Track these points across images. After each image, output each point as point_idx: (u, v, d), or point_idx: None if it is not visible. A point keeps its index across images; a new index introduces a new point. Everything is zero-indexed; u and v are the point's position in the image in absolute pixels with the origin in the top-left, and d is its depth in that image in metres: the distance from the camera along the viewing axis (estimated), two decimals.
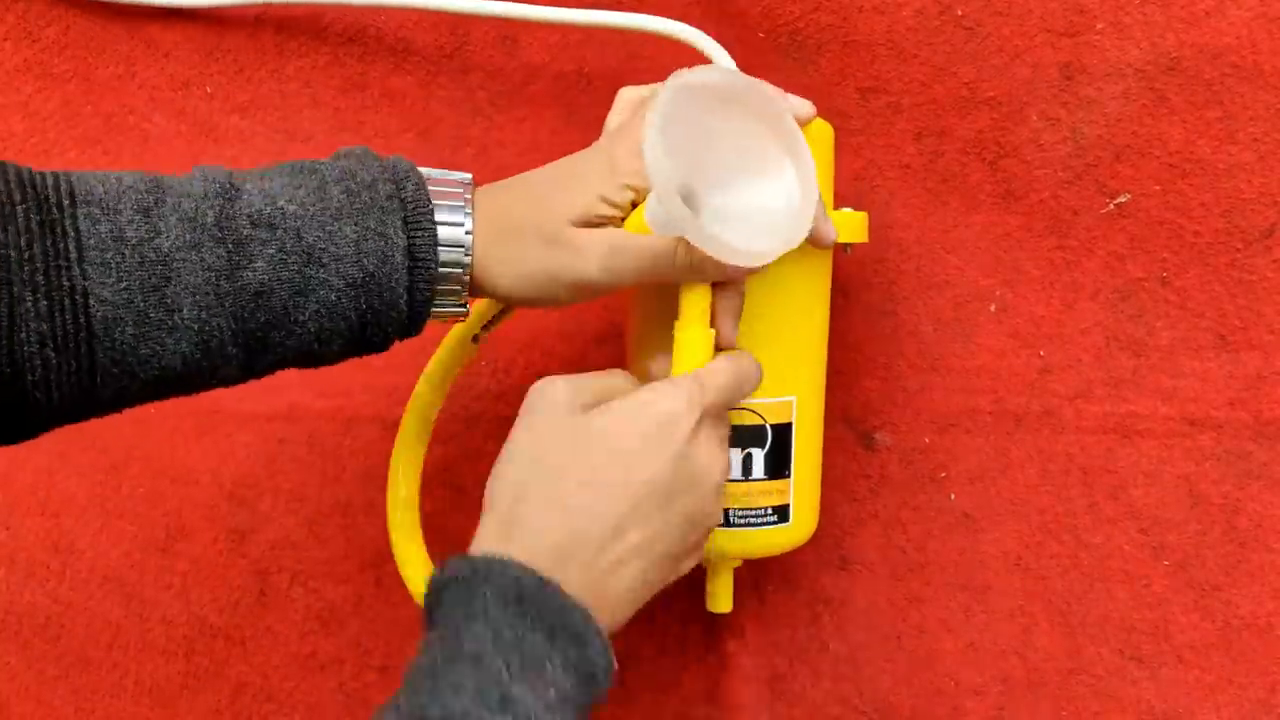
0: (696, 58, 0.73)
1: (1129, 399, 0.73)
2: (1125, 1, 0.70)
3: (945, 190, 0.74)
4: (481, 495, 0.79)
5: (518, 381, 0.78)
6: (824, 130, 0.65)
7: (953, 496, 0.75)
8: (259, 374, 0.55)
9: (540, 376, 0.77)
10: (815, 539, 0.70)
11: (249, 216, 0.51)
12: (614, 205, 0.54)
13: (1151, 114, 0.70)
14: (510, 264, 0.55)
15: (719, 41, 0.68)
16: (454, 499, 0.79)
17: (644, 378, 0.57)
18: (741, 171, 0.55)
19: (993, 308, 0.74)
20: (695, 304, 0.57)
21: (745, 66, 0.70)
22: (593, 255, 0.54)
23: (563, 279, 0.54)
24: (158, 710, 0.81)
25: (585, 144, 0.76)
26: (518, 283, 0.55)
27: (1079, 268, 0.73)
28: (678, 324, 0.57)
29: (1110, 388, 0.73)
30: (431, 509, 0.79)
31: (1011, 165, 0.72)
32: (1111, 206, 0.72)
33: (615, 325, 0.77)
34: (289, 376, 0.78)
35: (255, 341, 0.52)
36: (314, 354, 0.54)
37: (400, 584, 0.79)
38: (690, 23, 0.69)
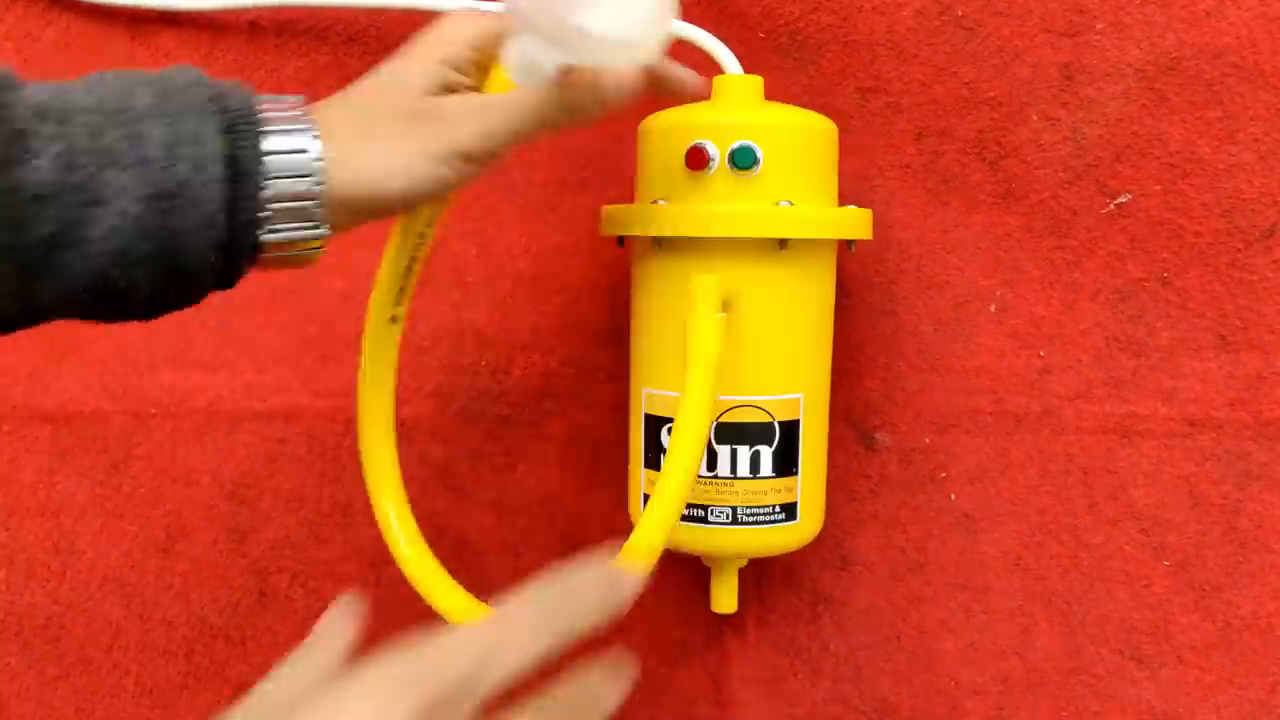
0: (697, 57, 0.73)
1: (1129, 399, 0.73)
2: (1125, 1, 0.70)
3: (945, 190, 0.74)
4: (481, 496, 0.79)
5: (518, 381, 0.78)
6: (826, 128, 0.65)
7: (953, 496, 0.75)
8: (42, 311, 0.48)
9: (540, 376, 0.78)
10: (815, 539, 0.71)
11: (32, 107, 0.43)
12: (459, 70, 0.52)
13: (1151, 114, 0.70)
14: (381, 156, 0.50)
15: (720, 40, 0.68)
16: (454, 499, 0.79)
17: (644, 377, 0.57)
18: None
19: (993, 308, 0.74)
20: (706, 289, 0.57)
21: (745, 66, 0.70)
22: (462, 120, 0.50)
23: (439, 153, 0.50)
24: (158, 710, 0.81)
25: (586, 144, 0.76)
26: (397, 175, 0.50)
27: (1079, 268, 0.73)
28: (689, 311, 0.57)
29: (1110, 388, 0.73)
30: (431, 509, 0.79)
31: (1011, 165, 0.72)
32: (1111, 206, 0.72)
33: (615, 325, 0.77)
34: (289, 376, 0.78)
35: (36, 261, 0.44)
36: (113, 288, 0.46)
37: (400, 584, 0.79)
38: (691, 22, 0.69)
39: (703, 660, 0.78)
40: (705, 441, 0.57)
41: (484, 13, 0.52)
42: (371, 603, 0.81)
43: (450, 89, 0.52)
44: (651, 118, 0.66)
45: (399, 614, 0.79)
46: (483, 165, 0.52)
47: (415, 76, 0.52)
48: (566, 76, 0.51)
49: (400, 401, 0.78)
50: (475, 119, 0.51)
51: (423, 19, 0.76)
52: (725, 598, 0.71)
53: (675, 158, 0.62)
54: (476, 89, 0.53)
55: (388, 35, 0.76)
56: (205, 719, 0.81)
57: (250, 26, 0.77)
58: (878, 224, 0.73)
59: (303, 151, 0.48)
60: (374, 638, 0.81)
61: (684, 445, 0.57)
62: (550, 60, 0.52)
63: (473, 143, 0.50)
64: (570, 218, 0.77)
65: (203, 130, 0.45)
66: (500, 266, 0.78)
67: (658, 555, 0.57)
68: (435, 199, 0.54)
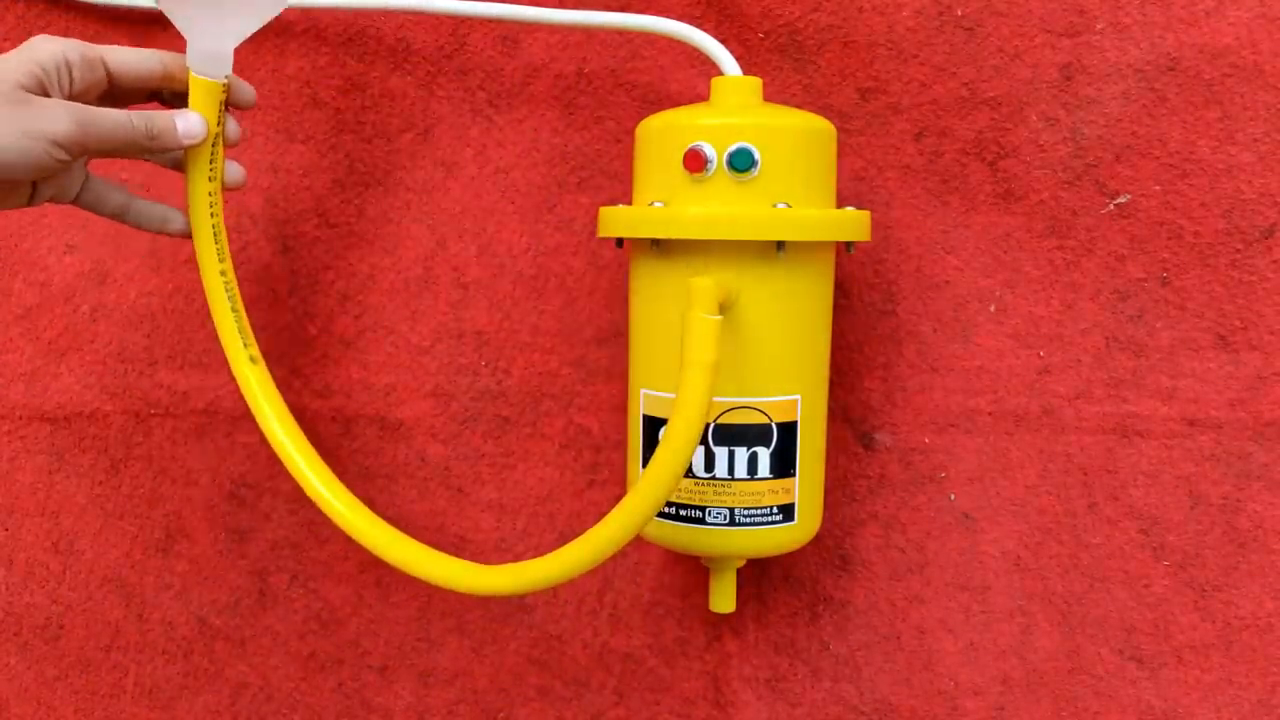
0: (697, 57, 0.73)
1: (1129, 399, 0.73)
2: (1125, 1, 0.70)
3: (945, 190, 0.74)
4: (481, 496, 0.79)
5: (518, 382, 0.78)
6: (824, 130, 0.65)
7: (952, 496, 0.75)
8: None
9: (540, 376, 0.78)
10: (815, 539, 0.71)
11: None
12: (48, 74, 0.58)
13: (1151, 114, 0.70)
14: None
15: (719, 41, 0.68)
16: (453, 499, 0.79)
17: (643, 378, 0.57)
18: None
19: (993, 308, 0.74)
20: (703, 291, 0.57)
21: (745, 67, 0.70)
22: (58, 112, 0.57)
23: (33, 133, 0.56)
24: (158, 711, 0.81)
25: (585, 144, 0.76)
26: (3, 150, 0.55)
27: (1079, 268, 0.73)
28: (686, 313, 0.57)
29: (1110, 388, 0.73)
30: (431, 509, 0.79)
31: (1011, 165, 0.72)
32: (1111, 206, 0.72)
33: (615, 325, 0.77)
34: (289, 377, 0.78)
35: None
36: None
37: (400, 584, 0.79)
38: (690, 23, 0.69)
39: (703, 660, 0.78)
40: (695, 443, 0.57)
41: (66, 39, 0.60)
42: (371, 602, 0.81)
43: (43, 91, 0.58)
44: (649, 119, 0.66)
45: (398, 614, 0.80)
46: (72, 157, 0.58)
47: (11, 71, 0.57)
48: (147, 117, 0.60)
49: (400, 401, 0.78)
50: (70, 114, 0.57)
51: (423, 19, 0.76)
52: (724, 598, 0.71)
53: (673, 160, 0.62)
54: (61, 97, 0.60)
55: (388, 35, 0.76)
56: (205, 719, 0.81)
57: None
58: (877, 224, 0.73)
59: None
60: (373, 637, 0.81)
61: (672, 447, 0.57)
62: (224, 41, 0.62)
63: (68, 131, 0.57)
64: (570, 218, 0.77)
65: None
66: (500, 266, 0.78)
67: (623, 543, 0.59)
68: (27, 176, 0.58)
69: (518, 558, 0.79)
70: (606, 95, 0.76)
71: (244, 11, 0.63)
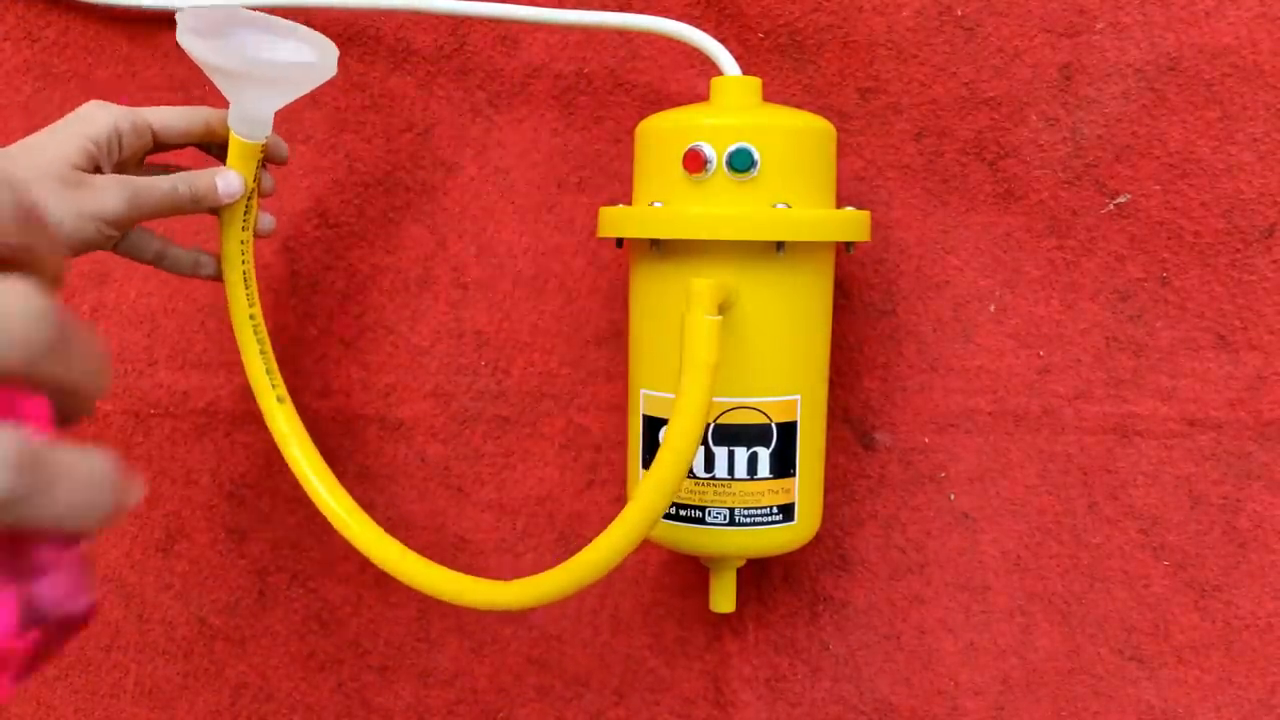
0: (696, 58, 0.73)
1: (1129, 399, 0.73)
2: (1125, 1, 0.70)
3: (945, 190, 0.74)
4: (481, 496, 0.79)
5: (518, 382, 0.78)
6: (824, 130, 0.65)
7: (952, 496, 0.75)
8: None
9: (540, 376, 0.78)
10: (815, 539, 0.71)
11: None
12: (99, 147, 0.60)
13: (1151, 114, 0.70)
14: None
15: (719, 41, 0.68)
16: (453, 499, 0.79)
17: (643, 378, 0.57)
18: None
19: (993, 308, 0.74)
20: (703, 292, 0.57)
21: (744, 67, 0.70)
22: (109, 190, 0.59)
23: (87, 214, 0.58)
24: (158, 710, 0.81)
25: (585, 144, 0.76)
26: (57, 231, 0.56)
27: (1079, 268, 0.73)
28: (685, 314, 0.57)
29: (1110, 388, 0.73)
30: (431, 509, 0.79)
31: (1011, 165, 0.72)
32: (1111, 206, 0.72)
33: (616, 325, 0.77)
34: (289, 377, 0.78)
35: None
36: None
37: (399, 584, 0.79)
38: (690, 23, 0.69)
39: (703, 660, 0.78)
40: (696, 445, 0.57)
41: (116, 106, 0.62)
42: (371, 602, 0.81)
43: (95, 165, 0.60)
44: (649, 120, 0.66)
45: (398, 614, 0.80)
46: (121, 231, 0.61)
47: (68, 148, 0.58)
48: (190, 182, 0.63)
49: (400, 401, 0.78)
50: (120, 191, 0.59)
51: (423, 19, 0.76)
52: (724, 598, 0.71)
53: (673, 160, 0.62)
54: (110, 168, 0.62)
55: (388, 35, 0.76)
56: (205, 719, 0.81)
57: None
58: (877, 224, 0.73)
59: None
60: (373, 637, 0.81)
61: (674, 449, 0.56)
62: (264, 107, 0.64)
63: (118, 210, 0.59)
64: (570, 218, 0.77)
65: None
66: (500, 266, 0.78)
67: (629, 551, 0.58)
68: (81, 252, 0.60)
69: (518, 558, 0.79)
70: (606, 95, 0.76)
71: (289, 82, 0.64)
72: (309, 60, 0.65)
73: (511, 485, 0.79)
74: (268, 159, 0.68)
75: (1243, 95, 0.69)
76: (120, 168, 0.62)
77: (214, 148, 0.68)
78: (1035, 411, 0.74)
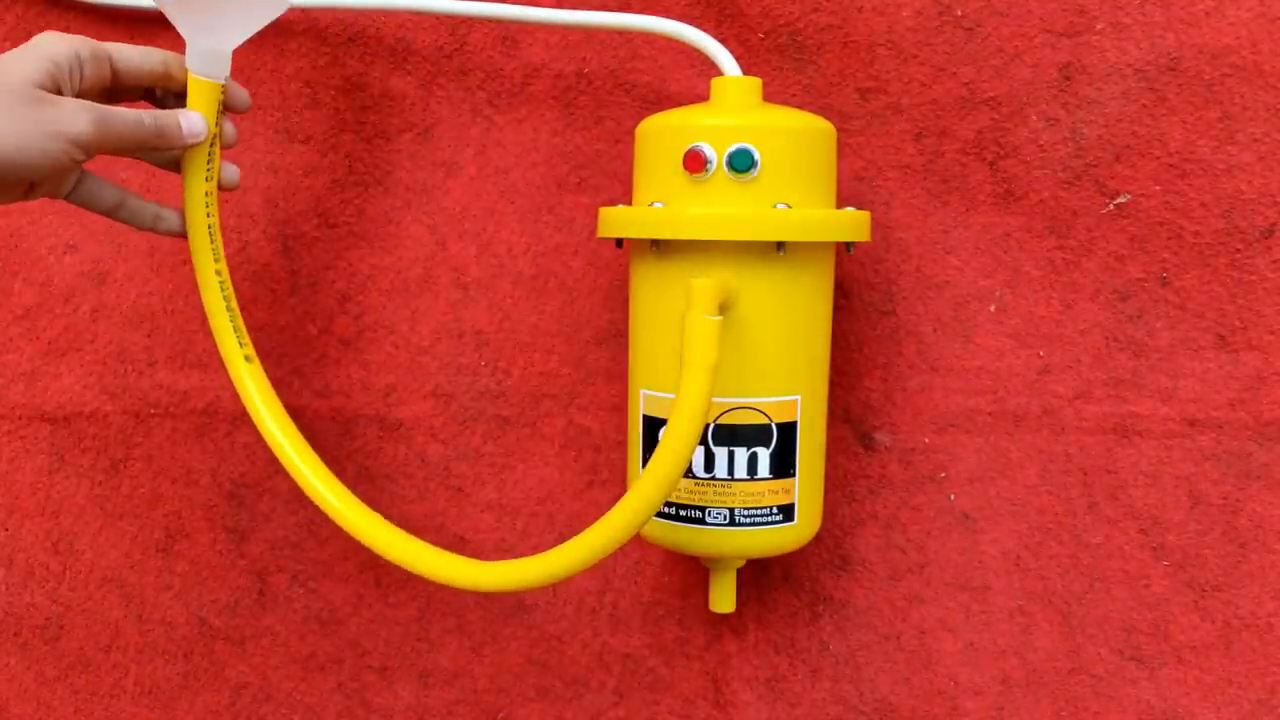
0: (696, 58, 0.73)
1: (1129, 399, 0.73)
2: (1125, 1, 0.70)
3: (945, 190, 0.74)
4: (481, 496, 0.79)
5: (518, 382, 0.78)
6: (824, 130, 0.65)
7: (952, 496, 0.75)
8: None
9: (540, 376, 0.78)
10: (815, 539, 0.71)
11: None
12: (59, 69, 0.58)
13: (1151, 114, 0.70)
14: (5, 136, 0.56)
15: (719, 41, 0.68)
16: (453, 500, 0.79)
17: (643, 379, 0.57)
18: None
19: (993, 308, 0.74)
20: (702, 292, 0.57)
21: (745, 67, 0.70)
22: (77, 112, 0.57)
23: (53, 133, 0.56)
24: (158, 711, 0.81)
25: (585, 144, 0.76)
26: (11, 143, 0.55)
27: (1079, 268, 0.73)
28: (685, 314, 0.57)
29: (1110, 388, 0.73)
30: (431, 509, 0.79)
31: (1011, 165, 0.72)
32: (1111, 206, 0.72)
33: (615, 325, 0.77)
34: (288, 377, 0.78)
35: None
36: None
37: (399, 584, 0.79)
38: (690, 23, 0.69)
39: (703, 660, 0.78)
40: (695, 444, 0.57)
41: (74, 35, 0.61)
42: (371, 602, 0.81)
43: (57, 88, 0.58)
44: (649, 120, 0.66)
45: (398, 614, 0.80)
46: (88, 155, 0.59)
47: (29, 68, 0.57)
48: (155, 116, 0.61)
49: (400, 401, 0.78)
50: (87, 113, 0.58)
51: (423, 19, 0.76)
52: (724, 598, 0.71)
53: (673, 160, 0.62)
54: (72, 94, 0.60)
55: (388, 35, 0.76)
56: (205, 719, 0.81)
57: None
58: (877, 224, 0.73)
59: None
60: (373, 637, 0.81)
61: (672, 448, 0.57)
62: (222, 40, 0.63)
63: (85, 131, 0.57)
64: (570, 218, 0.77)
65: None
66: (500, 266, 0.78)
67: (619, 544, 0.59)
68: (46, 176, 0.59)
69: (517, 558, 0.78)
70: (606, 95, 0.76)
71: (244, 14, 0.64)
72: None
73: (511, 485, 0.79)
74: (228, 107, 0.66)
75: (1243, 95, 0.69)
76: (82, 97, 0.61)
77: (172, 99, 0.66)
78: (1035, 411, 0.74)
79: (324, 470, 0.69)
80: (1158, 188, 0.71)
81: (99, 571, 0.80)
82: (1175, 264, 0.72)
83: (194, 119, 0.63)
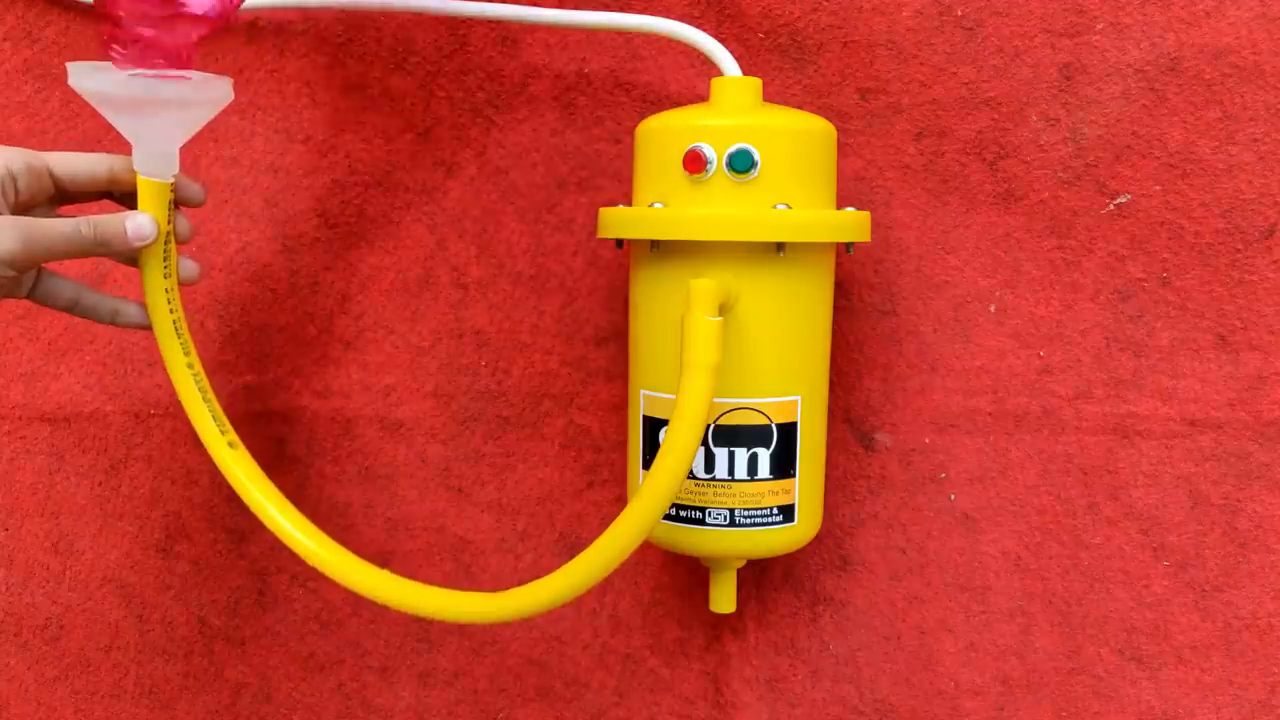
0: (696, 58, 0.73)
1: (1129, 399, 0.73)
2: (1125, 1, 0.70)
3: (945, 190, 0.74)
4: (481, 496, 0.79)
5: (518, 382, 0.78)
6: (824, 130, 0.65)
7: (952, 497, 0.75)
8: None
9: (540, 376, 0.78)
10: (815, 539, 0.71)
11: None
12: None
13: (1151, 114, 0.70)
14: None
15: (719, 41, 0.68)
16: (453, 500, 0.79)
17: (643, 379, 0.57)
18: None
19: (993, 308, 0.74)
20: (703, 293, 0.57)
21: (745, 67, 0.70)
22: (5, 231, 0.57)
23: None
24: (158, 711, 0.81)
25: (585, 144, 0.76)
26: None
27: (1079, 268, 0.73)
28: (685, 315, 0.57)
29: (1110, 388, 0.73)
30: (431, 509, 0.79)
31: (1011, 165, 0.72)
32: (1111, 206, 0.72)
33: (615, 325, 0.77)
34: (288, 376, 0.78)
35: None
36: None
37: None
38: (690, 23, 0.69)
39: (703, 660, 0.78)
40: (697, 447, 0.57)
41: (10, 147, 0.61)
42: (371, 602, 0.81)
43: None
44: (649, 120, 0.66)
45: (398, 614, 0.80)
46: (19, 271, 0.58)
47: None
48: (95, 224, 0.61)
49: (400, 401, 0.78)
50: (12, 231, 0.57)
51: (423, 19, 0.76)
52: (724, 598, 0.71)
53: (673, 161, 0.62)
54: (8, 211, 0.60)
55: (387, 35, 0.76)
56: (205, 719, 0.81)
57: (250, 27, 0.77)
58: (877, 224, 0.73)
59: None
60: (373, 638, 0.81)
61: (674, 451, 0.56)
62: (167, 140, 0.63)
63: (11, 250, 0.57)
64: (570, 218, 0.77)
65: None
66: (500, 266, 0.78)
67: (628, 553, 0.58)
68: None
69: (518, 558, 0.79)
70: (606, 95, 0.76)
71: (185, 114, 0.63)
72: (207, 85, 0.63)
73: (511, 485, 0.79)
74: (181, 201, 0.65)
75: (1243, 95, 0.69)
76: (23, 211, 0.60)
77: (127, 199, 0.65)
78: (1035, 411, 0.74)
79: (331, 543, 0.66)
80: (1158, 188, 0.71)
81: (99, 572, 0.80)
82: (1175, 264, 0.72)
83: (141, 221, 0.62)
